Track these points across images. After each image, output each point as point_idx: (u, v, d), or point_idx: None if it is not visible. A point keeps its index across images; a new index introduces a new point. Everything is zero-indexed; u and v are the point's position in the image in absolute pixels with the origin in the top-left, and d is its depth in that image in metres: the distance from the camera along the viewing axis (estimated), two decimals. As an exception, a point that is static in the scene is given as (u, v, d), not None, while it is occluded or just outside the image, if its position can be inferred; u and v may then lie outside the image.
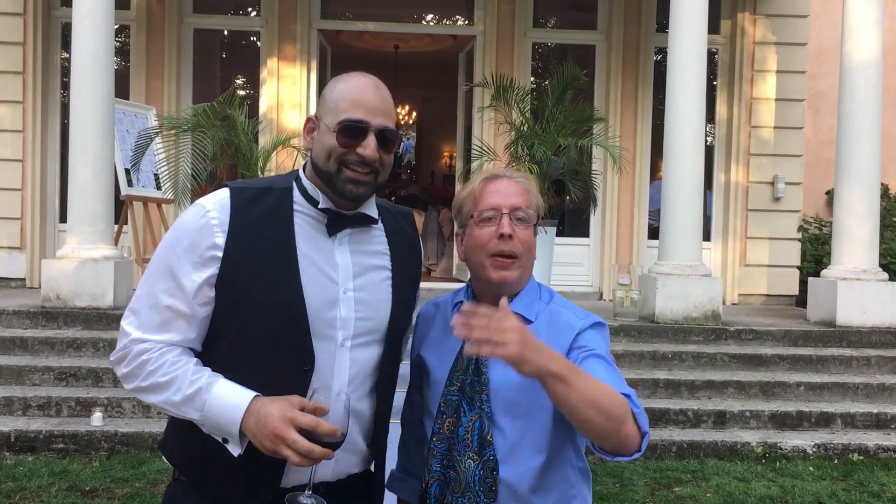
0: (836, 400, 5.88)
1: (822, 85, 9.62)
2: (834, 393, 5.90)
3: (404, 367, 1.83)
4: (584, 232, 8.89)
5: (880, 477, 4.92)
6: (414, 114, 14.90)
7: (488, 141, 8.07)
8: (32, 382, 5.50)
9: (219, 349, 1.63)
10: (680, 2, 6.79)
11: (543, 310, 1.75)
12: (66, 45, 8.31)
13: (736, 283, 8.81)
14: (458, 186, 9.16)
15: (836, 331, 6.65)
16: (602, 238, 8.79)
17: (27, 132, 8.32)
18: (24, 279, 8.34)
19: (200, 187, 6.61)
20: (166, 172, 6.77)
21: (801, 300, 8.43)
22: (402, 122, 14.52)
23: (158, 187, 7.39)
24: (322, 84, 8.56)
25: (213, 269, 1.60)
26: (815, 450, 5.30)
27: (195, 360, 1.62)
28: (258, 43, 8.79)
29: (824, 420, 5.62)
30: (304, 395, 1.56)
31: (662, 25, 8.48)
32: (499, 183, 1.75)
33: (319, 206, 1.67)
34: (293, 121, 8.43)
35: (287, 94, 8.59)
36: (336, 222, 1.67)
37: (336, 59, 9.64)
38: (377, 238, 1.75)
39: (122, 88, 7.93)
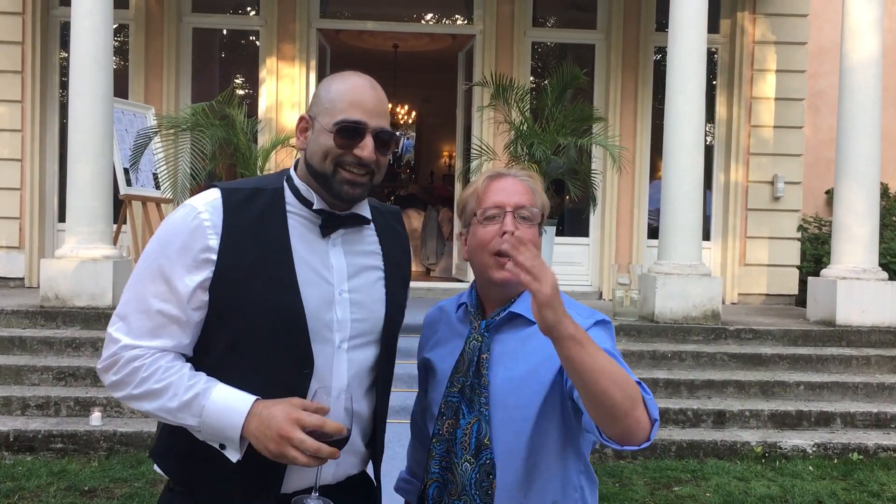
0: (835, 399, 5.88)
1: (821, 84, 9.61)
2: (833, 392, 5.90)
3: (400, 367, 1.82)
4: (583, 231, 8.88)
5: (880, 476, 4.91)
6: (413, 113, 14.87)
7: (488, 140, 8.07)
8: (31, 382, 5.49)
9: (214, 354, 1.59)
10: (679, 1, 6.78)
11: None
12: (64, 44, 8.30)
13: (735, 282, 8.80)
14: (457, 186, 9.16)
15: (836, 330, 6.65)
16: (602, 238, 8.78)
17: (26, 131, 8.31)
18: (22, 279, 8.34)
19: (199, 186, 6.60)
20: (165, 172, 6.77)
21: (800, 300, 8.43)
22: (402, 122, 14.51)
23: (157, 187, 7.38)
24: (321, 83, 8.54)
25: (206, 273, 1.55)
26: (814, 449, 5.30)
27: (189, 365, 1.58)
28: (257, 42, 8.79)
29: (824, 419, 5.61)
30: (303, 398, 1.54)
31: (662, 25, 8.47)
32: (503, 181, 1.73)
33: (314, 207, 1.64)
34: (292, 120, 8.40)
35: (286, 94, 8.58)
36: (330, 223, 1.65)
37: (335, 59, 9.62)
38: (369, 238, 1.73)
39: (120, 88, 7.91)
